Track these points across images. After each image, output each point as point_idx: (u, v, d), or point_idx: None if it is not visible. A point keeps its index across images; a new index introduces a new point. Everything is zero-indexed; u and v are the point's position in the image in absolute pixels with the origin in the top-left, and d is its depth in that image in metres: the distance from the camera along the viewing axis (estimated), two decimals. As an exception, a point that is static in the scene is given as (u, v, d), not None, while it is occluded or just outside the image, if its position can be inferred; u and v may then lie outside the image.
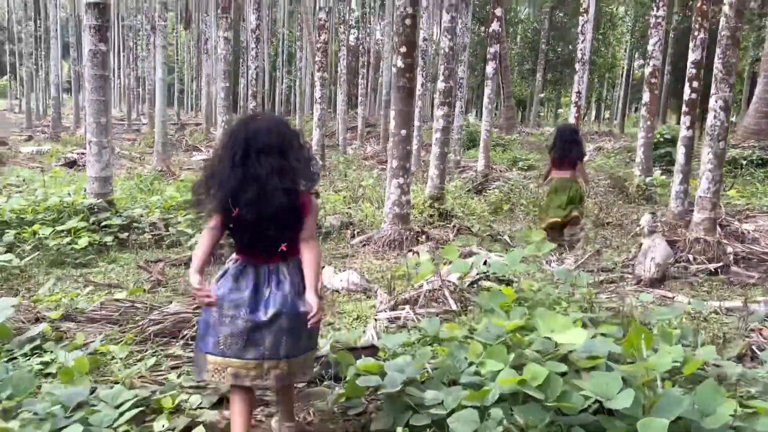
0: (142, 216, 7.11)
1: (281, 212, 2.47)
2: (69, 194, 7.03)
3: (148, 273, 5.48)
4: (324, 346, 3.48)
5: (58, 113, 23.68)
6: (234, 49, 22.13)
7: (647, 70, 12.21)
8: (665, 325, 3.63)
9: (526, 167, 15.76)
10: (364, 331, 4.02)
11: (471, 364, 2.77)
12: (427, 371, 2.90)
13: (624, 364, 2.81)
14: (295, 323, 2.53)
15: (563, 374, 2.53)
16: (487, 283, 4.98)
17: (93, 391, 2.83)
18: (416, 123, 13.25)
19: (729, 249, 6.62)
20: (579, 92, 13.60)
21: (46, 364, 3.29)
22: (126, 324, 3.92)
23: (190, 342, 3.63)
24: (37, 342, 3.55)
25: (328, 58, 16.30)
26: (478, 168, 13.78)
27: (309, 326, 2.54)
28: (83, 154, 11.38)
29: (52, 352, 3.42)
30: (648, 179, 11.27)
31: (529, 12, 38.69)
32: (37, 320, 3.92)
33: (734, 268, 6.32)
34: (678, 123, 23.54)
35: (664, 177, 11.68)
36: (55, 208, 6.61)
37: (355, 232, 7.61)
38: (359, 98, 24.47)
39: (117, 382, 3.04)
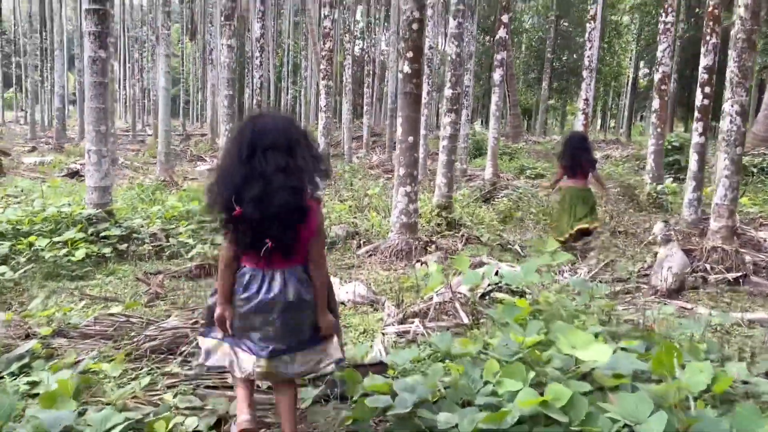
0: (142, 226, 6.93)
1: (285, 211, 2.41)
2: (68, 205, 6.85)
3: (146, 285, 5.30)
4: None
5: (62, 124, 23.64)
6: (239, 59, 22.09)
7: (656, 77, 12.05)
8: (691, 339, 3.44)
9: (533, 176, 15.60)
10: (371, 347, 3.83)
11: (487, 383, 2.63)
12: (440, 390, 2.72)
13: (649, 382, 2.63)
14: (300, 318, 2.56)
15: (587, 394, 2.36)
16: (499, 295, 4.82)
17: (83, 413, 2.66)
18: (422, 131, 13.11)
19: (747, 258, 6.41)
20: (587, 99, 13.46)
21: (34, 384, 3.09)
22: (121, 340, 3.74)
23: (188, 359, 3.44)
24: (26, 360, 3.35)
25: (333, 68, 16.18)
26: (486, 176, 13.65)
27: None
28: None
29: (43, 370, 3.24)
30: (659, 187, 11.06)
31: (534, 21, 38.69)
32: (28, 336, 3.73)
33: (754, 278, 6.10)
34: (685, 131, 23.48)
35: (675, 185, 11.48)
36: (52, 218, 6.43)
37: (361, 241, 7.44)
38: (364, 107, 24.44)
39: (109, 404, 2.85)
